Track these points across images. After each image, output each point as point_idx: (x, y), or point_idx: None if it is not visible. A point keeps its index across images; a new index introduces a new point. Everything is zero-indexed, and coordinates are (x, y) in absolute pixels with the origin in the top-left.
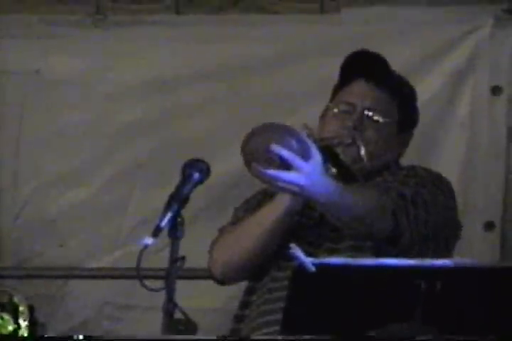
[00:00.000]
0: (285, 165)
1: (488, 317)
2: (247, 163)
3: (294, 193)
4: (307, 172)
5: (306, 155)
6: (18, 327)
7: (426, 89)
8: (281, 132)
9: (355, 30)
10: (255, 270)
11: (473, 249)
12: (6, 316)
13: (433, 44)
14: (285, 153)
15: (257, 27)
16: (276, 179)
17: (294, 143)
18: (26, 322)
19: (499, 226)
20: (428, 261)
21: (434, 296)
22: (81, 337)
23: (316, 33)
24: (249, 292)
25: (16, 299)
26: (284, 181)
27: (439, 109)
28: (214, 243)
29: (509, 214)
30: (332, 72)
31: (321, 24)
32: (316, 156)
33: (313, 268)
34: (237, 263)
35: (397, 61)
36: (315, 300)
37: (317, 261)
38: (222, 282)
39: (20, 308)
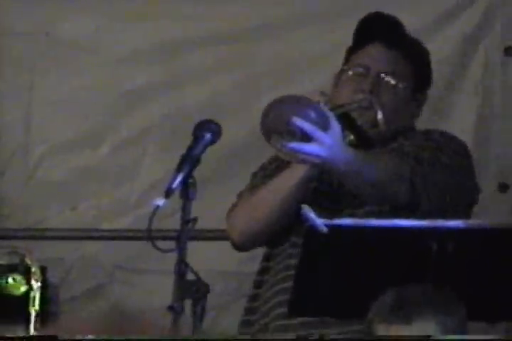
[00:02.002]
0: (305, 137)
1: (499, 278)
2: (267, 135)
3: (315, 164)
4: (328, 144)
5: (325, 126)
6: (31, 288)
7: (437, 51)
8: (301, 104)
9: None
10: (274, 236)
11: (487, 211)
12: (18, 277)
13: (443, 6)
14: (306, 126)
15: None
16: (297, 151)
17: (313, 114)
18: (39, 283)
19: None
20: (440, 222)
21: (445, 258)
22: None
23: None
24: (267, 258)
25: (27, 260)
26: (305, 153)
27: (451, 72)
28: (232, 209)
29: None
30: (344, 35)
31: None
32: (335, 126)
33: (325, 229)
34: (256, 230)
35: (408, 23)
36: (326, 261)
37: (329, 222)
38: (241, 248)
39: (33, 269)
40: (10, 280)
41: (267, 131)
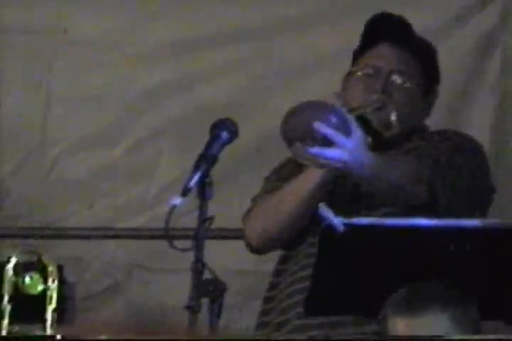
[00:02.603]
0: (327, 142)
1: None
2: (288, 141)
3: (337, 169)
4: (349, 148)
5: (346, 131)
6: (48, 287)
7: (454, 51)
8: (321, 109)
9: None
10: (291, 239)
11: (506, 210)
12: (36, 276)
13: (460, 5)
14: (327, 131)
15: None
16: (319, 156)
17: (334, 119)
18: (56, 282)
19: None
20: (457, 221)
21: (463, 257)
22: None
23: None
24: (283, 260)
25: (44, 259)
26: (328, 158)
27: (467, 72)
28: (248, 213)
29: None
30: (355, 34)
31: None
32: (357, 131)
33: (341, 228)
34: (274, 233)
35: (424, 23)
36: (343, 260)
37: (346, 220)
38: (258, 251)
39: (50, 268)
40: (27, 279)
41: (289, 137)
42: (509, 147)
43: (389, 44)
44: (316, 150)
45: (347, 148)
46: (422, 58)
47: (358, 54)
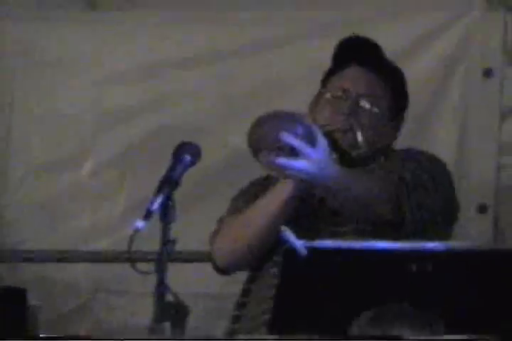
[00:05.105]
0: (293, 152)
1: (478, 300)
2: (254, 151)
3: (302, 180)
4: (315, 159)
5: (313, 142)
6: None
7: (418, 73)
8: (288, 120)
9: (344, 13)
10: (258, 258)
11: (467, 231)
12: None
13: (423, 27)
14: (294, 141)
15: (248, 9)
16: (285, 167)
17: (300, 130)
18: None
19: (492, 208)
20: (419, 244)
21: (424, 279)
22: None
23: (305, 16)
24: (251, 280)
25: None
26: (293, 168)
27: (431, 93)
28: (215, 234)
29: (502, 197)
30: (322, 55)
31: (311, 7)
32: (323, 142)
33: (304, 251)
34: (242, 253)
35: (388, 45)
36: (305, 284)
37: (308, 243)
38: (225, 272)
39: None
40: None
41: (255, 146)
42: (471, 168)
43: (359, 67)
44: (281, 160)
45: (312, 159)
46: (391, 82)
47: (328, 76)
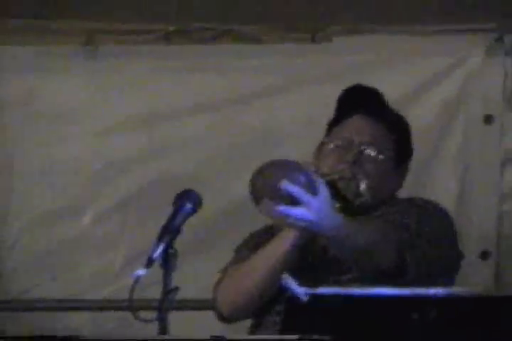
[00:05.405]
0: (294, 200)
1: None
2: (256, 199)
3: (303, 228)
4: (316, 208)
5: (314, 191)
6: None
7: (418, 119)
8: (290, 169)
9: (344, 60)
10: (262, 306)
11: (469, 278)
12: None
13: (424, 74)
14: (295, 189)
15: (248, 57)
16: (285, 215)
17: (302, 178)
18: None
19: (494, 255)
20: (421, 291)
21: (427, 326)
22: None
23: (307, 63)
24: (254, 328)
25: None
26: (294, 217)
27: (431, 140)
28: (218, 283)
29: (504, 244)
30: (322, 102)
31: (312, 54)
32: (324, 191)
33: (305, 298)
34: (245, 302)
35: (388, 91)
36: (307, 331)
37: (309, 290)
38: (228, 320)
39: None
40: None
41: (256, 194)
42: (473, 215)
43: (362, 116)
44: (282, 208)
45: (313, 208)
46: (395, 131)
47: (331, 125)
